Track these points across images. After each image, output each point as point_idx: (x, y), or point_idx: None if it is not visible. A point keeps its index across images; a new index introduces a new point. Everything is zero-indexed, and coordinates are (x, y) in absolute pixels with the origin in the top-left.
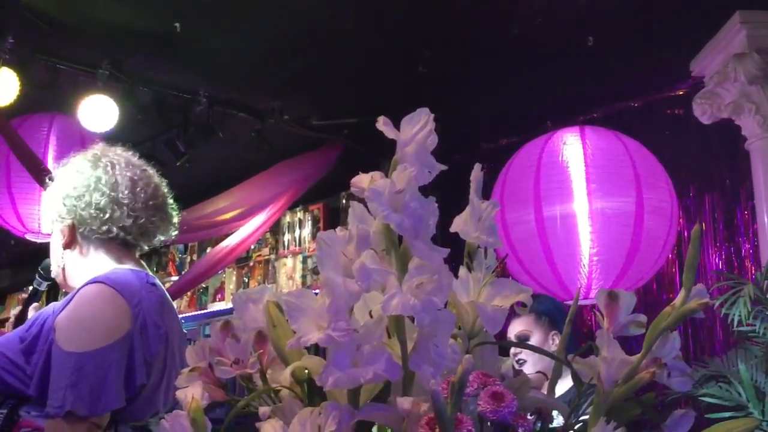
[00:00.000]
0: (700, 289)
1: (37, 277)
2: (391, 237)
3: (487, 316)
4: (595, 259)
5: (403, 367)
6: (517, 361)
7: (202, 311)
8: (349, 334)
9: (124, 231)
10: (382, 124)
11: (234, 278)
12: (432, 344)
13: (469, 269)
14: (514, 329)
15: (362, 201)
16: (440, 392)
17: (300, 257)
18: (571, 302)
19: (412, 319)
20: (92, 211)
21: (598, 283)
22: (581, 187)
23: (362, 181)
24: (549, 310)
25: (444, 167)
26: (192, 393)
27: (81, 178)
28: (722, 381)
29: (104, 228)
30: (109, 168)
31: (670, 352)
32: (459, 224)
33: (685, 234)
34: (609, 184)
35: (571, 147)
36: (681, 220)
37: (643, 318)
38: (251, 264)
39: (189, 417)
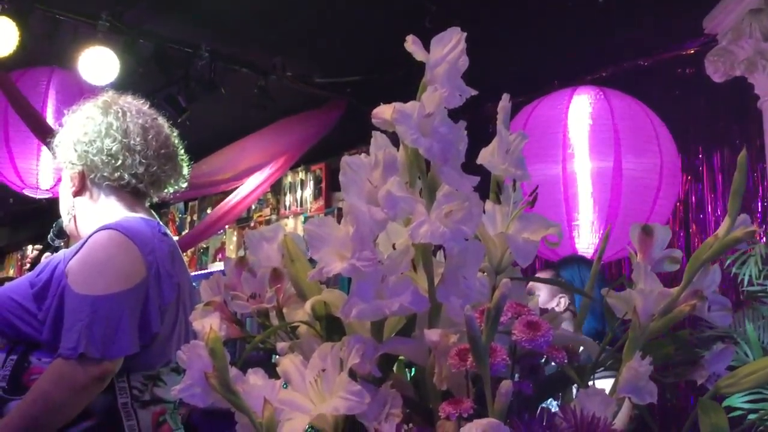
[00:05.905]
0: (745, 218)
1: (51, 233)
2: (419, 163)
3: (518, 247)
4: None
5: (429, 299)
6: None
7: (203, 271)
8: (375, 263)
9: (135, 179)
10: (411, 44)
11: (234, 238)
12: (460, 276)
13: (498, 202)
14: None
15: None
16: (475, 319)
17: (301, 218)
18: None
19: (436, 254)
20: (104, 157)
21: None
22: (575, 148)
23: (384, 111)
24: (570, 278)
25: (475, 92)
26: (210, 323)
27: (92, 124)
28: (729, 342)
29: (116, 175)
30: (120, 115)
31: (711, 285)
32: (486, 156)
33: (693, 197)
34: (592, 145)
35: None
36: (687, 181)
37: (678, 253)
38: (252, 224)
39: (207, 347)
